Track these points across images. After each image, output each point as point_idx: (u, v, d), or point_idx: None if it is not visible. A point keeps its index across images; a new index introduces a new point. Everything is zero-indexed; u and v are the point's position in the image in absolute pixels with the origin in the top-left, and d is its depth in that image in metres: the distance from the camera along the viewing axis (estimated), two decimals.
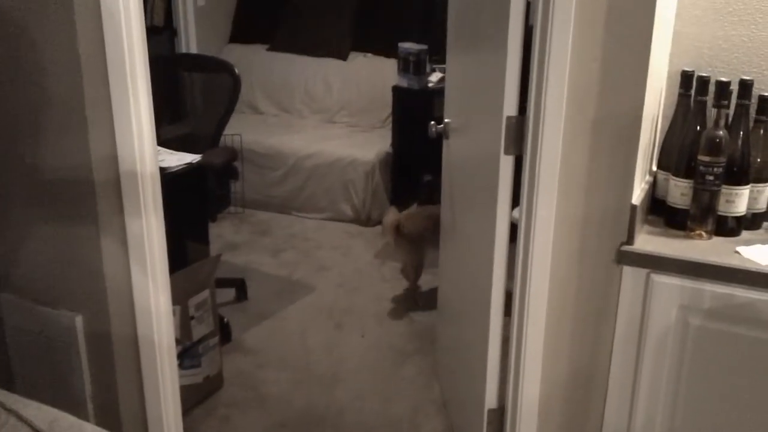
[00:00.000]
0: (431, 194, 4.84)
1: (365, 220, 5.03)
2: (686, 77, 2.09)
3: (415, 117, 5.03)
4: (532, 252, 2.00)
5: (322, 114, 5.70)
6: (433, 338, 3.57)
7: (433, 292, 3.70)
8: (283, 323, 3.80)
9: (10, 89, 2.01)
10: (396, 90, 5.10)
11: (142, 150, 1.98)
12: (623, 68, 1.84)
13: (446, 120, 2.89)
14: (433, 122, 2.88)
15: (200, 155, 3.16)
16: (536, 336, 2.07)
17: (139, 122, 1.96)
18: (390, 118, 5.41)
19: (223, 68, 3.62)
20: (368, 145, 5.13)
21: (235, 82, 3.55)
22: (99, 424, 2.13)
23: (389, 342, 3.63)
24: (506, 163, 2.08)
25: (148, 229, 2.04)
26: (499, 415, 2.30)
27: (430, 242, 3.80)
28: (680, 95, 2.11)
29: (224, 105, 3.56)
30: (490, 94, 2.21)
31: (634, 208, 1.93)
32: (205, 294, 3.04)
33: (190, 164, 3.06)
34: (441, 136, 2.91)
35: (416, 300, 4.03)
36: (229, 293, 4.00)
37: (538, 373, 2.10)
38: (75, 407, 2.20)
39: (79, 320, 2.13)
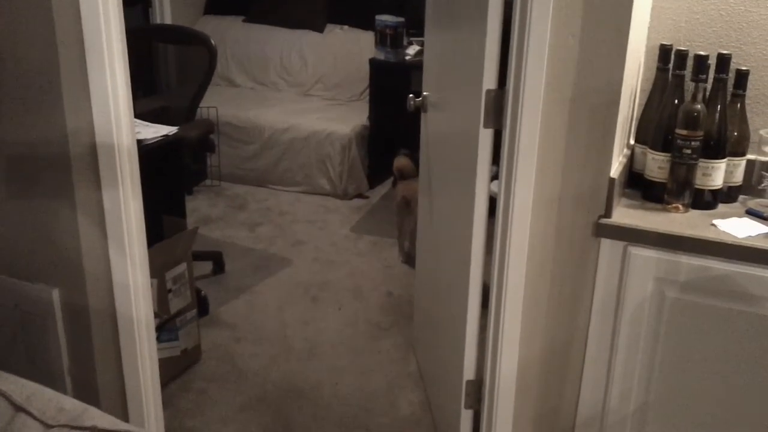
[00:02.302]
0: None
1: (342, 194, 5.02)
2: (664, 51, 2.10)
3: (392, 90, 5.04)
4: (510, 225, 2.00)
5: (298, 87, 5.67)
6: (410, 313, 3.58)
7: None
8: (260, 297, 3.79)
9: None
10: (373, 63, 5.08)
11: (119, 122, 1.96)
12: (602, 43, 1.84)
13: (425, 93, 2.88)
14: (411, 95, 2.88)
15: (176, 128, 3.13)
16: (514, 309, 2.08)
17: (116, 93, 1.93)
18: (367, 92, 5.40)
19: (200, 40, 3.58)
20: (345, 118, 5.11)
21: (212, 55, 3.51)
22: (76, 398, 2.12)
23: (366, 316, 3.64)
24: (485, 137, 2.09)
25: (125, 203, 2.02)
26: (476, 386, 2.31)
27: None
28: (658, 69, 2.12)
29: (200, 78, 3.53)
30: (470, 67, 2.21)
31: (612, 181, 1.94)
32: (182, 267, 3.02)
33: (166, 136, 3.03)
34: (419, 110, 2.91)
35: None
36: (206, 266, 3.99)
37: (516, 345, 2.11)
38: (51, 381, 2.18)
39: (56, 294, 2.11)
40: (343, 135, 4.92)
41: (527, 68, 1.87)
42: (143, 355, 2.20)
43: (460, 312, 2.33)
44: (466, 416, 2.39)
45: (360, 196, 5.06)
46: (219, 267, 4.00)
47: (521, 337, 2.11)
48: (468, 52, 2.24)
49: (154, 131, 3.03)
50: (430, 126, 2.87)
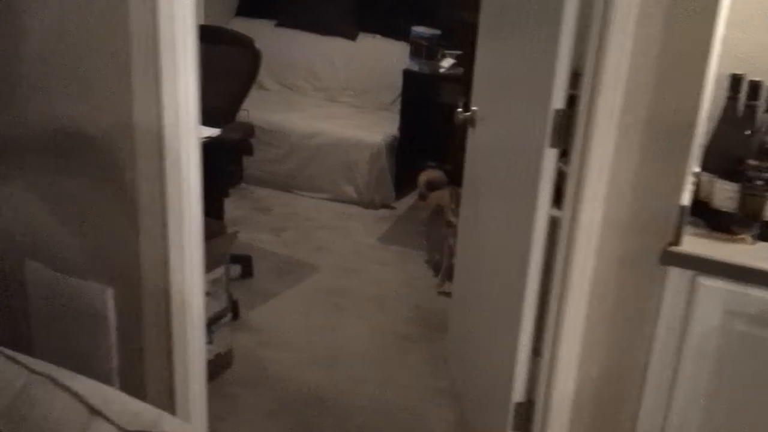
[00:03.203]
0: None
1: (367, 202, 4.99)
2: (735, 80, 2.07)
3: (424, 102, 5.03)
4: (574, 248, 1.98)
5: (325, 92, 5.65)
6: (439, 326, 3.55)
7: None
8: (286, 303, 3.77)
9: (56, 41, 1.95)
10: (407, 74, 5.05)
11: (187, 120, 1.94)
12: (682, 66, 1.81)
13: (473, 108, 2.86)
14: (459, 110, 2.85)
15: (219, 130, 3.11)
16: (574, 333, 2.05)
17: (186, 90, 1.92)
18: (395, 101, 5.38)
19: (243, 42, 3.56)
20: (374, 126, 5.09)
21: (255, 57, 3.49)
22: None
23: (393, 327, 3.61)
24: (550, 157, 2.06)
25: (188, 202, 2.00)
26: (526, 408, 2.28)
27: None
28: (728, 98, 2.09)
29: (242, 80, 3.51)
30: (533, 84, 2.19)
31: (683, 209, 1.91)
32: (220, 271, 3.00)
33: (209, 138, 3.01)
34: (465, 125, 2.87)
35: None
36: (234, 270, 3.96)
37: (574, 369, 2.09)
38: (99, 380, 2.16)
39: (109, 293, 2.09)
40: (373, 143, 4.90)
41: (601, 90, 1.85)
42: (194, 358, 2.18)
43: (509, 333, 2.30)
44: None
45: (386, 206, 5.02)
46: (247, 271, 3.96)
47: (579, 361, 2.08)
48: (531, 69, 2.22)
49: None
50: (478, 141, 2.84)
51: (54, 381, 1.42)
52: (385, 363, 3.31)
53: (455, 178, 4.04)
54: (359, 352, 3.38)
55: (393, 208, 5.05)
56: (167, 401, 2.19)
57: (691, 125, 1.85)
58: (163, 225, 1.99)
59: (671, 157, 1.88)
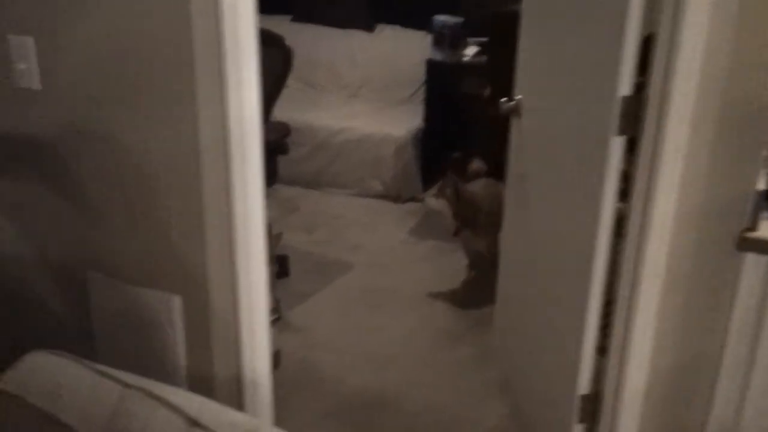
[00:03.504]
0: (459, 171, 4.78)
1: (395, 196, 4.96)
2: None
3: (449, 92, 4.97)
4: (646, 241, 1.95)
5: (346, 89, 5.61)
6: (482, 320, 3.52)
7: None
8: (326, 302, 3.75)
9: (114, 58, 1.93)
10: (430, 64, 5.01)
11: (251, 125, 1.91)
12: (758, 50, 1.77)
13: (518, 97, 2.81)
14: (504, 99, 2.81)
15: None
16: (646, 324, 2.02)
17: (250, 96, 1.89)
18: (417, 93, 5.34)
19: (273, 41, 3.52)
20: (398, 120, 5.06)
21: (287, 56, 3.46)
22: None
23: (436, 323, 3.58)
24: (616, 145, 2.02)
25: (252, 207, 1.97)
26: (592, 400, 2.26)
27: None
28: None
29: (273, 80, 3.47)
30: (594, 71, 2.15)
31: (759, 194, 1.88)
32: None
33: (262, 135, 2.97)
34: (508, 116, 2.83)
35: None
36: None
37: (646, 360, 2.06)
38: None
39: (177, 300, 2.06)
40: (399, 137, 4.87)
41: (676, 75, 1.81)
42: (261, 360, 2.17)
43: (573, 325, 2.27)
44: (578, 431, 2.33)
45: (414, 199, 4.99)
46: (284, 271, 3.93)
47: (652, 350, 2.05)
48: (591, 55, 2.18)
49: None
50: (525, 132, 2.80)
51: (149, 393, 1.41)
52: (431, 361, 3.29)
53: (492, 170, 4.01)
54: (405, 351, 3.35)
55: (421, 200, 4.99)
56: (237, 404, 2.17)
57: (766, 109, 1.82)
58: (229, 230, 1.96)
59: (747, 140, 1.85)
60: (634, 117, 1.96)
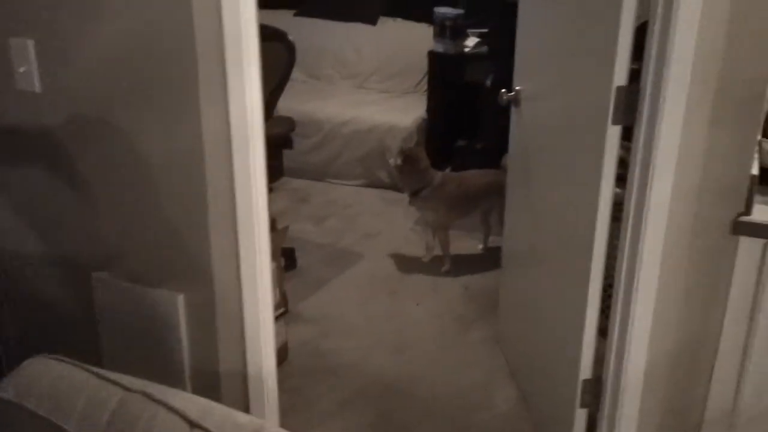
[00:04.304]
0: (464, 159, 4.82)
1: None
2: None
3: (452, 82, 5.01)
4: (645, 225, 1.98)
5: (352, 80, 5.65)
6: (491, 305, 3.57)
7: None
8: (338, 292, 3.79)
9: (115, 60, 1.98)
10: (432, 55, 5.04)
11: (253, 123, 1.96)
12: (751, 35, 1.79)
13: (517, 87, 2.85)
14: (504, 90, 2.84)
15: None
16: (645, 307, 2.05)
17: (252, 96, 1.93)
18: (421, 84, 5.38)
19: (276, 36, 3.56)
20: (404, 110, 5.09)
21: (290, 51, 3.50)
22: None
23: (447, 309, 3.63)
24: (613, 134, 2.06)
25: (256, 205, 2.02)
26: (594, 384, 2.30)
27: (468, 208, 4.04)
28: None
29: (278, 75, 3.51)
30: (590, 61, 2.18)
31: (753, 178, 1.91)
32: (272, 266, 3.01)
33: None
34: (509, 105, 2.87)
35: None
36: None
37: (646, 343, 2.09)
38: (171, 386, 2.19)
39: (181, 299, 2.11)
40: (405, 127, 4.90)
41: (671, 63, 1.83)
42: (267, 355, 2.21)
43: (574, 312, 2.31)
44: (581, 415, 2.37)
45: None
46: (291, 263, 3.98)
47: (651, 334, 2.08)
48: (587, 45, 2.21)
49: None
50: (525, 121, 2.83)
51: (149, 396, 1.40)
52: (445, 346, 3.34)
53: (491, 158, 4.06)
54: (419, 337, 3.40)
55: None
56: (242, 401, 2.21)
57: (761, 94, 1.84)
58: (234, 227, 2.01)
59: (741, 126, 1.87)
60: (630, 106, 1.99)
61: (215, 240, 2.03)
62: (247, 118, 1.93)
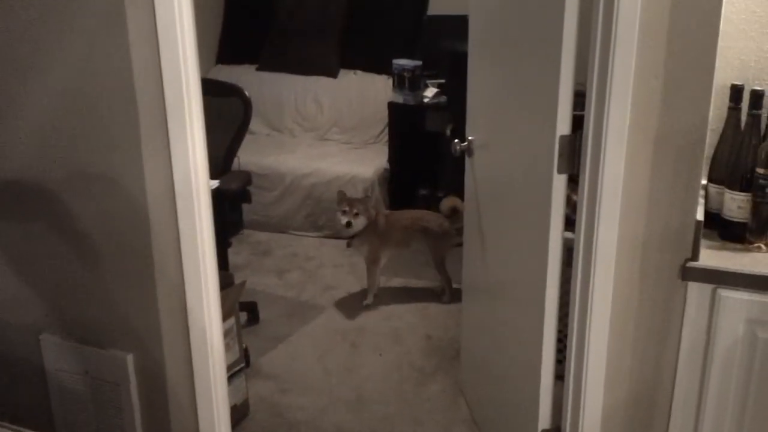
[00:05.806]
0: (428, 207, 4.84)
1: None
2: (736, 91, 2.10)
3: (411, 132, 5.06)
4: (593, 273, 1.98)
5: (314, 132, 5.66)
6: (452, 355, 3.55)
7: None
8: (299, 346, 3.75)
9: (63, 121, 1.96)
10: (392, 106, 5.08)
11: (198, 182, 1.95)
12: (687, 83, 1.83)
13: (470, 137, 2.87)
14: (456, 140, 2.86)
15: (218, 181, 3.11)
16: (599, 356, 2.05)
17: (195, 153, 1.92)
18: (382, 134, 5.41)
19: (233, 91, 3.57)
20: (365, 161, 5.11)
21: (246, 106, 3.50)
22: None
23: (408, 360, 3.60)
24: (559, 182, 2.07)
25: (204, 260, 2.00)
26: None
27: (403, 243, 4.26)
28: (730, 108, 2.12)
29: (234, 129, 3.51)
30: (535, 110, 2.21)
31: (698, 223, 1.92)
32: (231, 321, 2.98)
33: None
34: (463, 155, 2.88)
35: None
36: (240, 317, 3.94)
37: (600, 391, 2.09)
38: None
39: (130, 359, 2.08)
40: (366, 178, 4.91)
41: (609, 113, 1.86)
42: (221, 412, 2.17)
43: (531, 359, 2.30)
44: None
45: None
46: (254, 317, 3.95)
47: (605, 384, 2.08)
48: (532, 95, 2.23)
49: None
50: (478, 170, 2.85)
51: None
52: (406, 398, 3.30)
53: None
54: (378, 390, 3.36)
55: None
56: None
57: (700, 139, 1.87)
58: (181, 282, 1.99)
59: (683, 173, 1.89)
60: (574, 154, 2.01)
61: (162, 298, 2.01)
62: (190, 175, 1.92)
